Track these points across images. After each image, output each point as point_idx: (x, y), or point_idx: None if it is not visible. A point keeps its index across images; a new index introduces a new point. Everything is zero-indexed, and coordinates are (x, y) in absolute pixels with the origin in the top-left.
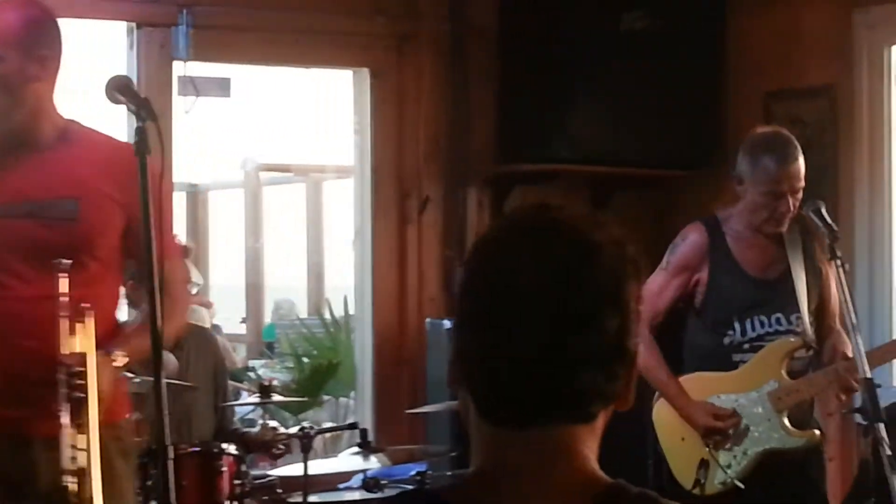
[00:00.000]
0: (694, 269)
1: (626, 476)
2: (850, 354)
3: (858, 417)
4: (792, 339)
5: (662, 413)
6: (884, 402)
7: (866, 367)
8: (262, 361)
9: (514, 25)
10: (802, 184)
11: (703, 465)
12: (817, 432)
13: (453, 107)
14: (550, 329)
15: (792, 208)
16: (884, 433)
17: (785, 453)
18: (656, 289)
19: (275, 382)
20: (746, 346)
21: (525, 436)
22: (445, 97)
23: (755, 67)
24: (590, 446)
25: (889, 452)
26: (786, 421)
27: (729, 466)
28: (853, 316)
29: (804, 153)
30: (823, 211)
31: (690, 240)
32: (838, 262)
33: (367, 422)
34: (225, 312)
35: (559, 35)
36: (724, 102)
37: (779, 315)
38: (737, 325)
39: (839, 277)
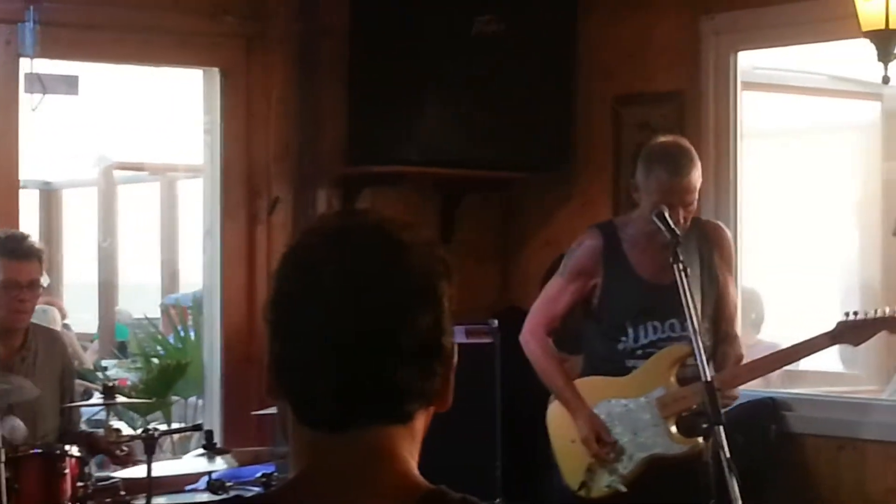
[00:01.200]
0: (590, 275)
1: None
2: (742, 361)
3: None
4: (681, 346)
5: (556, 415)
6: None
7: (707, 371)
8: (115, 361)
9: (365, 26)
10: (695, 196)
11: (591, 468)
12: (701, 440)
13: (303, 107)
14: (357, 328)
15: (682, 220)
16: (723, 436)
17: (670, 459)
18: (553, 294)
19: (128, 382)
20: (639, 351)
21: (342, 439)
22: (296, 97)
23: (605, 72)
24: (409, 449)
25: (728, 455)
26: (672, 427)
27: (615, 471)
28: (696, 322)
29: None
30: (666, 215)
31: (586, 245)
32: (680, 265)
33: (215, 423)
34: (78, 312)
35: (410, 37)
36: (574, 107)
37: (673, 321)
38: (630, 331)
39: (682, 282)
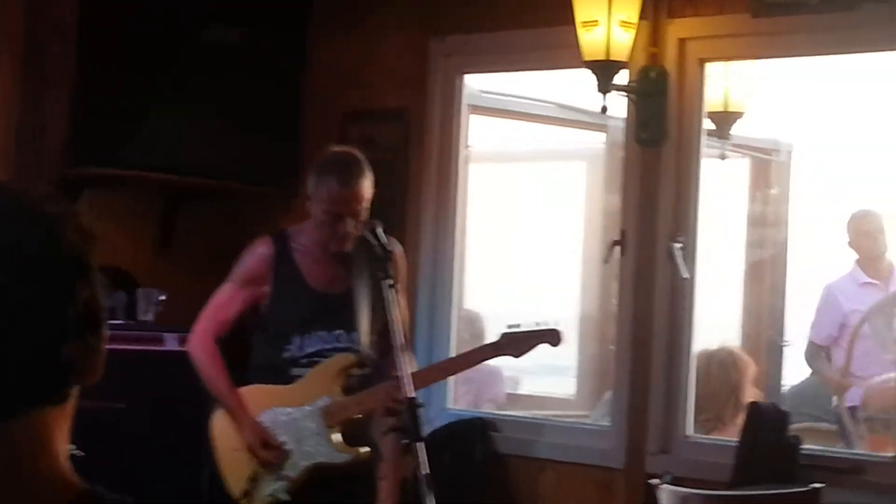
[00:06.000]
0: (259, 282)
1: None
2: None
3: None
4: (346, 356)
5: (220, 422)
6: (441, 423)
7: (410, 387)
8: None
9: (94, 27)
10: (364, 206)
11: (254, 476)
12: (364, 450)
13: (26, 105)
14: (13, 305)
15: (352, 230)
16: (423, 453)
17: (334, 468)
18: (223, 301)
19: None
20: (305, 360)
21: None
22: (19, 96)
23: (334, 89)
24: (64, 434)
25: (427, 472)
26: (335, 437)
27: (278, 479)
28: (400, 336)
29: (377, 176)
30: (379, 231)
31: (258, 253)
32: (389, 281)
33: None
34: None
35: (139, 41)
36: (303, 121)
37: (340, 331)
38: (296, 340)
39: (388, 297)
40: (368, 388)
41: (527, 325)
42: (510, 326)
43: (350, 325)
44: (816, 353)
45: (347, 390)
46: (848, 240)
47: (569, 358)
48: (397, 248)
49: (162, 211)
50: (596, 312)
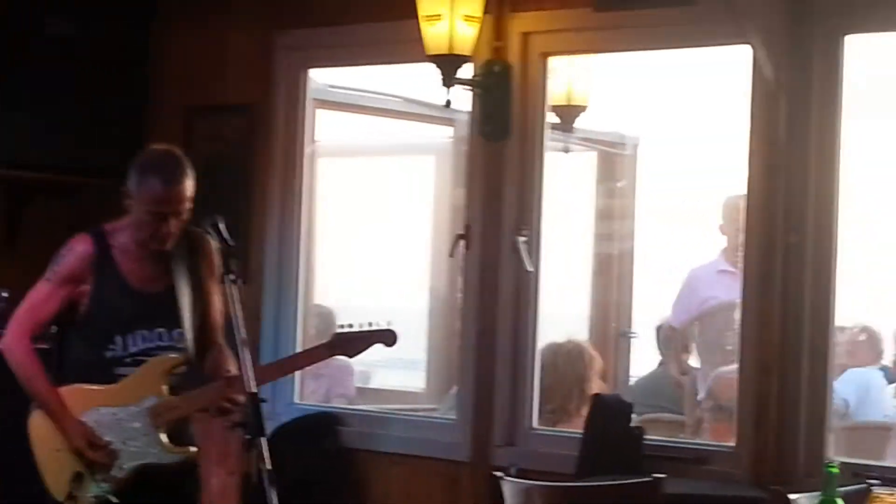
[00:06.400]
0: (79, 281)
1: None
2: (232, 370)
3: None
4: (172, 355)
5: (38, 423)
6: (288, 418)
7: (252, 383)
8: None
9: None
10: (187, 205)
11: (78, 477)
12: (193, 449)
13: None
14: None
15: (174, 229)
16: (265, 448)
17: (162, 469)
18: (40, 300)
19: None
20: (129, 360)
21: None
22: None
23: (179, 82)
24: None
25: (269, 467)
26: (163, 437)
27: (104, 480)
28: (242, 331)
29: (222, 170)
30: (221, 226)
31: (76, 251)
32: (231, 276)
33: None
34: None
35: None
36: (148, 115)
37: (161, 330)
38: (119, 339)
39: (231, 293)
40: (200, 388)
41: (361, 324)
42: (342, 326)
43: (171, 324)
44: (671, 336)
45: (174, 390)
46: (720, 223)
47: (420, 352)
48: (214, 243)
49: (7, 207)
50: (444, 306)
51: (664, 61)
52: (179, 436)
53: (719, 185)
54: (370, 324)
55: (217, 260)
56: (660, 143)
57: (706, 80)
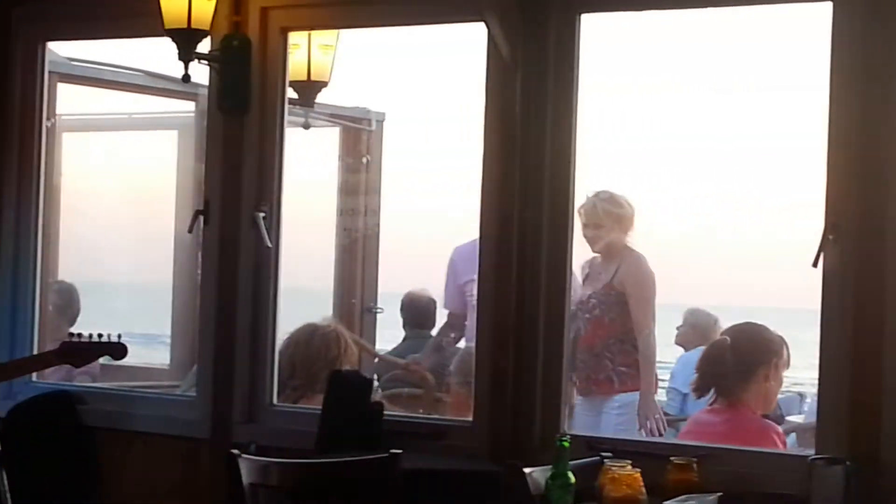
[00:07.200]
0: None
1: None
2: None
3: None
4: None
5: None
6: (24, 397)
7: None
8: None
9: None
10: None
11: None
12: None
13: None
14: None
15: None
16: None
17: None
18: None
19: None
20: None
21: None
22: None
23: None
24: None
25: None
26: None
27: None
28: None
29: None
30: None
31: None
32: None
33: None
34: None
35: None
36: None
37: None
38: None
39: None
40: None
41: (92, 335)
42: (72, 336)
43: None
44: (449, 321)
45: None
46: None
47: (167, 328)
48: None
49: None
50: (188, 282)
51: (409, 39)
52: None
53: (463, 163)
54: (100, 335)
55: None
56: (404, 119)
57: (450, 58)
